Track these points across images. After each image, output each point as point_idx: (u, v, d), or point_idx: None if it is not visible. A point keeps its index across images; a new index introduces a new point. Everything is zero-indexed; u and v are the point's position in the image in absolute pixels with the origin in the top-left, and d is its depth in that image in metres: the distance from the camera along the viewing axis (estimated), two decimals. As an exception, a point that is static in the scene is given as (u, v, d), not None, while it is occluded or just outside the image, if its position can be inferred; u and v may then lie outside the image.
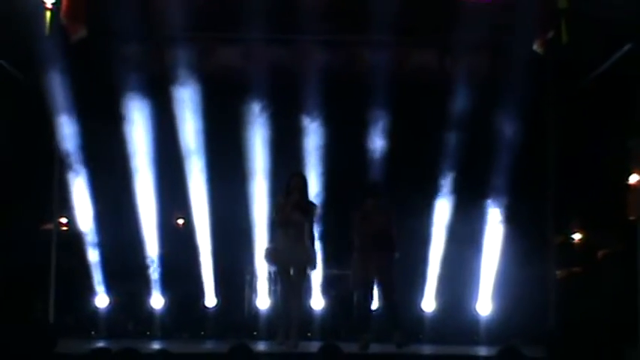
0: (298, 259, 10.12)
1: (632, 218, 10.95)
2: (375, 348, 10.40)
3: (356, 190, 10.96)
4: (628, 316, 10.54)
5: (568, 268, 12.34)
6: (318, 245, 10.42)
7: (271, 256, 10.28)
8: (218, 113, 11.78)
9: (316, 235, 10.30)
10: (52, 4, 10.08)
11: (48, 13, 10.02)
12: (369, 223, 10.28)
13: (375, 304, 11.29)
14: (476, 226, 11.78)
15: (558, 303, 11.55)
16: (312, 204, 10.29)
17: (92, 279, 11.77)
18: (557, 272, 11.94)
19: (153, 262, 11.87)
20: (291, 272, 10.20)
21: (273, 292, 11.90)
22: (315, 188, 11.46)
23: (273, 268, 10.36)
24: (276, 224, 10.23)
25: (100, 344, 9.90)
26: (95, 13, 10.44)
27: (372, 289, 10.40)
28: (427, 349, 10.87)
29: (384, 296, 10.54)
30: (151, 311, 11.89)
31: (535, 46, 11.21)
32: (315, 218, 10.29)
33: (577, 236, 12.80)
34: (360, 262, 10.28)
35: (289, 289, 10.25)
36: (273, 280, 11.69)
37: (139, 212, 11.77)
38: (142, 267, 11.89)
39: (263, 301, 11.81)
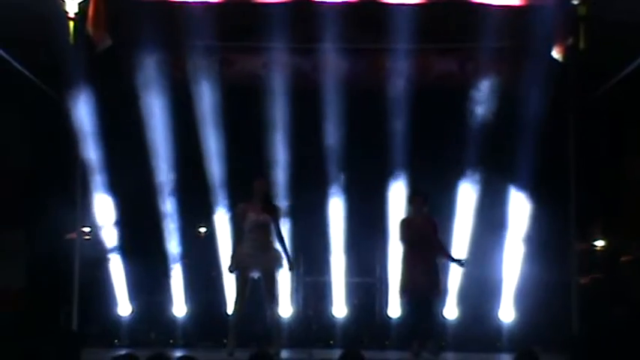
0: (268, 262, 10.25)
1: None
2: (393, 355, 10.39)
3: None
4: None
5: (591, 274, 12.31)
6: (288, 246, 10.51)
7: (237, 260, 10.28)
8: (240, 120, 11.82)
9: (284, 236, 10.45)
10: (75, 14, 10.20)
11: (71, 23, 10.13)
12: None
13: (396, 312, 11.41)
14: (498, 234, 11.76)
15: (581, 310, 11.50)
16: (276, 206, 10.48)
17: (115, 288, 11.83)
18: (580, 279, 11.90)
19: (175, 271, 11.92)
20: (260, 277, 10.27)
21: (295, 300, 11.94)
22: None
23: (236, 273, 10.36)
24: (244, 229, 10.26)
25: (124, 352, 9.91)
26: (118, 23, 10.53)
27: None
28: (450, 358, 10.84)
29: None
30: (173, 320, 11.93)
31: (554, 52, 11.24)
32: (281, 220, 10.48)
33: (600, 243, 12.76)
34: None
35: (246, 295, 10.31)
36: (294, 287, 11.74)
37: (161, 221, 11.83)
38: (165, 276, 11.93)
39: (285, 309, 11.78)
